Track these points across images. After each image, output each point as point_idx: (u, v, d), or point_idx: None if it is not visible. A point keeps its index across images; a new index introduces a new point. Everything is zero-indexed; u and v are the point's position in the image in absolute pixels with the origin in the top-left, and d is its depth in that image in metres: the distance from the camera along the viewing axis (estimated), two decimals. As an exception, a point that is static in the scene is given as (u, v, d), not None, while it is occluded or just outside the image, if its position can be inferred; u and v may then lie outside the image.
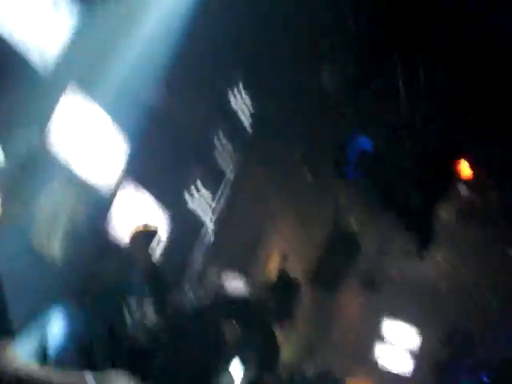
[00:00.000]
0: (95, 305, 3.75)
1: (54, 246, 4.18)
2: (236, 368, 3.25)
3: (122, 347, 3.65)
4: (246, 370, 3.48)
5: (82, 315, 3.77)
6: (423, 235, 8.57)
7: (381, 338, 16.90)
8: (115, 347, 3.57)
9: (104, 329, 3.66)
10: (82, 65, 5.71)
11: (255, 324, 4.41)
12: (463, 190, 8.24)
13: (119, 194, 7.14)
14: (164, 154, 7.38)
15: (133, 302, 3.85)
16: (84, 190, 5.25)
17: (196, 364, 3.39)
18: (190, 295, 5.10)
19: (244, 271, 11.61)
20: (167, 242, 8.02)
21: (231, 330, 3.94)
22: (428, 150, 6.83)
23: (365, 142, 6.86)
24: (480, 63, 5.91)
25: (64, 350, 3.30)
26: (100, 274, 4.19)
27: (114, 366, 2.50)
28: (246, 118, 9.04)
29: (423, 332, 16.30)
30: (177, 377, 3.59)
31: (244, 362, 3.44)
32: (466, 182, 7.93)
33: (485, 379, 9.87)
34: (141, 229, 5.79)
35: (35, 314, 3.74)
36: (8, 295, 2.34)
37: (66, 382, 2.26)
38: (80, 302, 3.66)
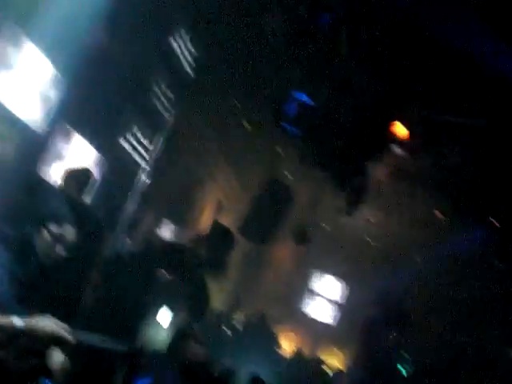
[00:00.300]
0: (24, 244, 3.70)
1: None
2: (166, 315, 3.30)
3: (50, 286, 3.64)
4: (175, 317, 3.54)
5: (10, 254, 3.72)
6: (355, 192, 8.76)
7: (310, 290, 17.36)
8: (42, 286, 3.55)
9: (32, 267, 3.62)
10: (19, 3, 5.50)
11: (187, 272, 4.47)
12: (397, 151, 8.42)
13: (52, 134, 6.99)
14: (101, 96, 7.22)
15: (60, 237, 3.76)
16: (15, 126, 5.10)
17: (125, 307, 3.42)
18: (123, 240, 5.11)
19: (179, 219, 11.68)
20: (101, 187, 7.93)
21: (163, 277, 3.99)
22: (366, 109, 6.92)
23: (304, 97, 6.89)
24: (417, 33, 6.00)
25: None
26: (30, 212, 4.12)
27: (39, 307, 2.50)
28: (187, 65, 8.91)
29: (350, 286, 16.83)
30: (105, 318, 3.62)
31: (173, 309, 3.48)
32: (401, 143, 8.10)
33: None
34: (74, 169, 5.71)
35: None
36: None
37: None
38: (8, 241, 3.59)
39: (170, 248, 5.14)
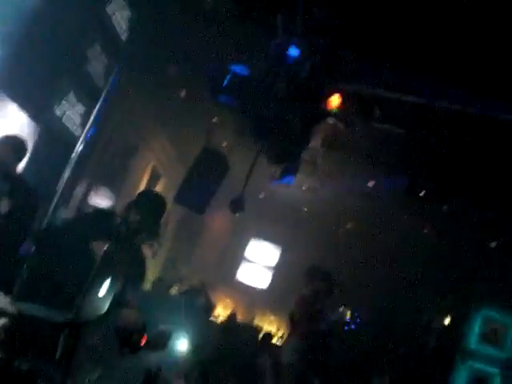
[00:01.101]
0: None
1: None
2: (102, 284, 3.35)
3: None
4: (112, 288, 3.59)
5: None
6: (289, 161, 8.90)
7: (245, 257, 17.59)
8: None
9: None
10: None
11: (122, 241, 4.51)
12: (331, 121, 8.59)
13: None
14: (35, 61, 7.08)
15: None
16: None
17: (61, 277, 3.46)
18: (57, 209, 5.10)
19: (113, 188, 11.61)
20: (35, 156, 7.81)
21: (99, 247, 4.03)
22: (301, 78, 7.02)
23: (238, 67, 6.94)
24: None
25: None
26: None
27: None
28: (123, 32, 8.80)
29: (285, 252, 17.15)
30: (42, 289, 3.66)
31: (109, 277, 3.54)
32: (335, 113, 8.27)
33: None
34: (7, 137, 5.63)
35: None
36: None
37: None
38: None
39: (100, 215, 5.16)
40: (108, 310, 3.86)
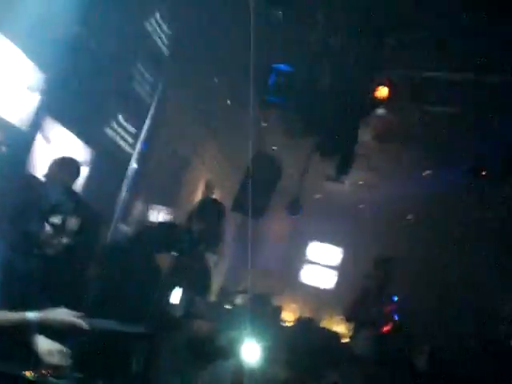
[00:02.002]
0: (27, 239, 3.75)
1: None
2: (171, 294, 3.35)
3: (54, 278, 3.69)
4: (181, 298, 3.59)
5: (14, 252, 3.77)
6: (342, 158, 8.78)
7: (307, 259, 17.49)
8: (49, 279, 3.61)
9: (36, 262, 3.68)
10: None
11: (186, 252, 4.51)
12: (382, 112, 8.44)
13: (38, 130, 6.99)
14: (81, 87, 7.20)
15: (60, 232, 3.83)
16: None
17: (132, 293, 3.47)
18: (120, 228, 5.15)
19: (169, 202, 11.69)
20: (90, 176, 7.95)
21: (163, 260, 4.03)
22: (346, 71, 6.92)
23: (282, 66, 6.89)
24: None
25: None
26: (29, 207, 4.16)
27: (50, 299, 2.56)
28: (164, 47, 8.88)
29: (347, 251, 16.97)
30: (113, 306, 3.68)
31: (177, 287, 3.53)
32: (385, 104, 8.12)
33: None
34: (62, 160, 5.71)
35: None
36: None
37: (6, 322, 2.30)
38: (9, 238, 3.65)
39: (163, 228, 5.18)
40: (178, 321, 3.86)
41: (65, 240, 3.76)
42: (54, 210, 3.78)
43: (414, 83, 7.46)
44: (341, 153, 8.50)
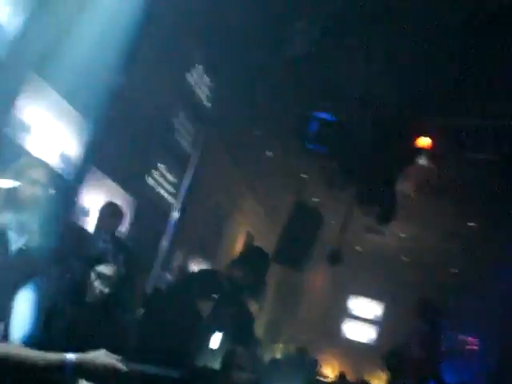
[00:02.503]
0: (74, 285, 3.83)
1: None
2: (211, 342, 3.31)
3: (97, 324, 3.73)
4: (222, 344, 3.54)
5: (54, 291, 3.82)
6: (383, 209, 8.68)
7: (348, 313, 17.20)
8: (91, 324, 3.63)
9: (78, 305, 3.73)
10: (36, 51, 5.62)
11: (227, 298, 4.47)
12: (423, 162, 8.36)
13: (82, 180, 7.12)
14: (125, 138, 7.33)
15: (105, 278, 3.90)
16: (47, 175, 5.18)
17: (172, 340, 3.45)
18: (161, 276, 5.16)
19: (210, 254, 11.68)
20: (133, 225, 8.02)
21: (205, 306, 4.00)
22: (388, 121, 6.90)
23: (325, 115, 6.92)
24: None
25: (42, 329, 3.33)
26: (76, 255, 4.23)
27: (91, 344, 2.54)
28: (206, 99, 9.01)
29: (388, 304, 16.65)
30: (154, 350, 3.66)
31: (218, 335, 3.49)
32: (426, 154, 8.04)
33: None
34: (107, 208, 5.79)
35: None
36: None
37: (44, 362, 2.29)
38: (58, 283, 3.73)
39: (205, 274, 5.15)
40: (218, 371, 3.80)
41: (108, 289, 3.83)
42: (101, 259, 3.89)
43: (455, 132, 7.38)
44: (381, 203, 8.42)
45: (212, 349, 3.27)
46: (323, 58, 6.13)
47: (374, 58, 6.02)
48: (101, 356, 2.44)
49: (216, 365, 3.43)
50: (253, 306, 4.94)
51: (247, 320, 4.74)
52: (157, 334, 4.07)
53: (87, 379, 2.44)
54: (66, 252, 4.55)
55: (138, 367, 2.77)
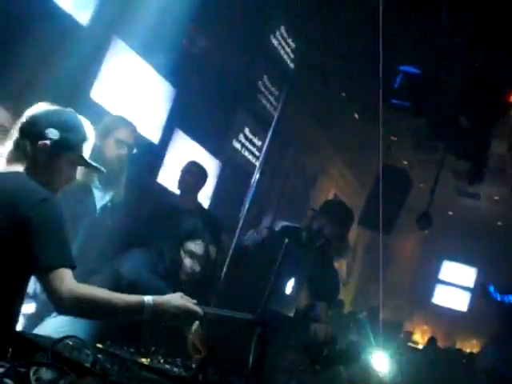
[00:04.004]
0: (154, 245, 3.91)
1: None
2: (288, 288, 3.29)
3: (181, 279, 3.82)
4: (297, 290, 3.51)
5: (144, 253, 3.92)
6: (475, 170, 8.37)
7: (437, 278, 16.87)
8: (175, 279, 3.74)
9: (164, 264, 3.82)
10: (118, 16, 5.71)
11: (306, 248, 4.44)
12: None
13: (168, 142, 7.24)
14: (209, 101, 7.39)
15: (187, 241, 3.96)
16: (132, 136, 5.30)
17: (250, 289, 3.46)
18: (248, 235, 5.17)
19: (296, 219, 11.69)
20: (218, 189, 8.12)
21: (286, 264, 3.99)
22: (479, 77, 6.58)
23: (410, 67, 6.67)
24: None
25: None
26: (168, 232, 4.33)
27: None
28: (289, 60, 8.92)
29: (480, 270, 16.19)
30: (236, 300, 3.71)
31: (295, 283, 3.48)
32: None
33: None
34: (191, 164, 5.86)
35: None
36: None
37: (125, 304, 2.38)
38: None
39: (288, 229, 5.14)
40: (297, 321, 3.79)
41: (199, 268, 3.87)
42: (191, 237, 3.92)
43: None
44: (473, 163, 8.11)
45: (288, 295, 3.26)
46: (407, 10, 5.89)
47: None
48: (177, 298, 2.51)
49: (290, 312, 3.42)
50: (340, 263, 4.90)
51: (330, 279, 4.70)
52: (237, 284, 4.12)
53: (163, 319, 2.52)
54: (157, 227, 4.67)
55: (212, 310, 2.82)
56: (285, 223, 5.36)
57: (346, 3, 6.95)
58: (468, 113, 6.95)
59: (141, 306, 2.41)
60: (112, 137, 4.27)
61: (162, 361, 2.75)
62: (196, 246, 3.96)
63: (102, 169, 2.69)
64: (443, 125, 7.11)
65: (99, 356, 2.34)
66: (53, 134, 2.46)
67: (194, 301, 2.56)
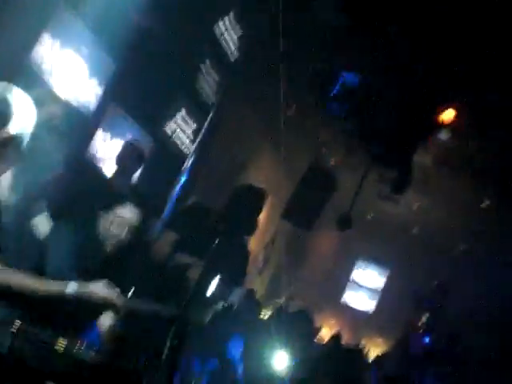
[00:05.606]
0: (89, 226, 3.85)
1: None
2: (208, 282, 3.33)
3: (100, 258, 3.75)
4: (217, 285, 3.56)
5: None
6: (399, 178, 8.63)
7: (351, 278, 17.26)
8: (95, 258, 3.66)
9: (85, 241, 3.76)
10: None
11: (219, 236, 4.47)
12: (444, 136, 8.27)
13: (102, 116, 7.12)
14: (148, 80, 7.31)
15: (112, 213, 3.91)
16: (64, 107, 5.18)
17: (172, 275, 3.48)
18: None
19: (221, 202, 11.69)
20: (147, 169, 8.04)
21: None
22: (412, 90, 6.78)
23: (350, 75, 6.81)
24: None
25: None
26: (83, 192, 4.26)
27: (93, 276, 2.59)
28: (233, 49, 8.92)
29: (392, 274, 16.69)
30: (152, 287, 3.71)
31: (213, 275, 3.52)
32: (448, 128, 7.95)
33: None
34: (129, 144, 5.79)
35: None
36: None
37: (44, 291, 2.34)
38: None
39: (199, 209, 5.17)
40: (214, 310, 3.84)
41: (125, 232, 3.82)
42: (118, 204, 3.87)
43: (481, 107, 7.25)
44: (398, 171, 8.36)
45: (209, 289, 3.30)
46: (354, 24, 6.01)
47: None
48: (101, 288, 2.49)
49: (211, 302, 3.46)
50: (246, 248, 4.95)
51: (240, 260, 4.74)
52: (157, 271, 4.13)
53: (85, 309, 2.51)
54: (84, 192, 4.59)
55: (134, 302, 2.83)
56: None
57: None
58: (398, 125, 7.17)
59: (61, 294, 2.38)
60: (42, 110, 4.19)
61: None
62: (126, 212, 3.89)
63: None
64: (374, 134, 7.31)
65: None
66: None
67: (117, 289, 2.56)
